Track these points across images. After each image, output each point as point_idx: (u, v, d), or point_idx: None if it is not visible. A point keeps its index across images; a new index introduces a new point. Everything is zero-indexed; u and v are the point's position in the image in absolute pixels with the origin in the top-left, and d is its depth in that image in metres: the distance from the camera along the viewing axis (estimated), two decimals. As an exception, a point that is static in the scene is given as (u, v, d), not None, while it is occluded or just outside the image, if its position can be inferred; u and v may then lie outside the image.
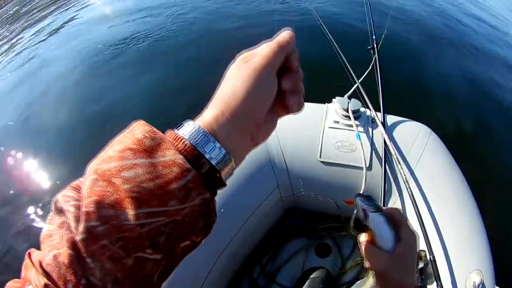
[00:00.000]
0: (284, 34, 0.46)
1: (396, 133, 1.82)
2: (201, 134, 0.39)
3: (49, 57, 4.80)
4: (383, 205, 1.72)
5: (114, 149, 0.37)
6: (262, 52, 0.44)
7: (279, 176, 1.76)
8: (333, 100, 1.88)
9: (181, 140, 0.38)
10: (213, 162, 0.40)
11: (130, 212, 0.34)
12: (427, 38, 4.24)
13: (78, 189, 0.37)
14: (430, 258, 1.42)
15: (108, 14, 6.03)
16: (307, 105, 1.90)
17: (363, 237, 0.64)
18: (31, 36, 6.21)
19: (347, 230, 1.88)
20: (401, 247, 0.59)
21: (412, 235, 0.61)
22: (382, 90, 1.93)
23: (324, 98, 1.90)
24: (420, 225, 1.50)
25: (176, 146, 0.38)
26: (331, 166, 1.74)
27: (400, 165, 1.66)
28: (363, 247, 0.63)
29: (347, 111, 1.80)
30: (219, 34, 4.31)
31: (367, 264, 0.64)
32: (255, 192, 1.74)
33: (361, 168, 1.71)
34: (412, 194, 1.59)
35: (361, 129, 1.79)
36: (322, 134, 1.77)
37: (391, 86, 2.11)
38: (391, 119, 1.89)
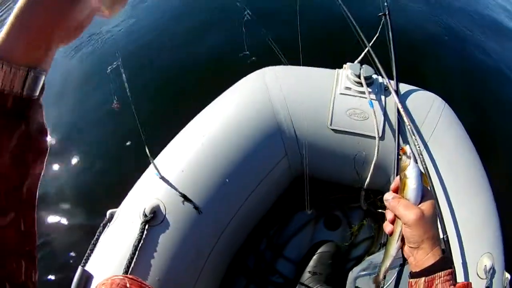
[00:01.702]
0: None
1: (409, 103, 1.73)
2: None
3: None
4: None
5: None
6: None
7: (288, 144, 1.66)
8: (344, 66, 1.77)
9: None
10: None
11: None
12: (443, 6, 4.07)
13: None
14: (443, 237, 1.36)
15: None
16: (317, 70, 1.80)
17: (389, 195, 0.70)
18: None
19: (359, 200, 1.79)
20: (425, 203, 0.65)
21: (431, 194, 0.69)
22: (395, 57, 1.83)
23: (335, 64, 1.79)
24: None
25: None
26: (342, 134, 1.65)
27: (414, 136, 1.58)
28: (394, 202, 0.67)
29: (359, 78, 1.70)
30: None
31: (388, 224, 0.70)
32: (263, 161, 1.64)
33: (374, 138, 1.62)
34: (426, 168, 1.52)
35: (373, 96, 1.69)
36: (333, 100, 1.66)
37: (404, 54, 2.01)
38: (404, 87, 1.79)
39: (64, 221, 2.26)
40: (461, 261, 1.40)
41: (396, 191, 0.70)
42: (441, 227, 1.38)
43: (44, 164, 0.45)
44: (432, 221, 0.65)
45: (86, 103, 2.87)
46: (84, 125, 2.77)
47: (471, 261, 1.39)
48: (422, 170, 0.73)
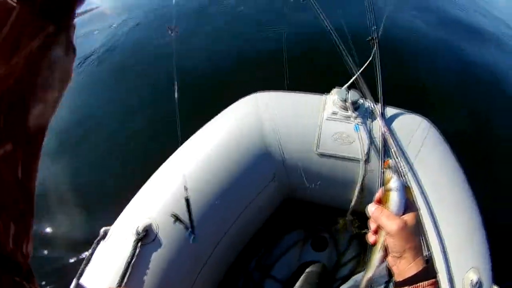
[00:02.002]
0: None
1: (395, 126, 1.79)
2: None
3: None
4: None
5: None
6: None
7: (276, 167, 1.73)
8: (332, 91, 1.83)
9: None
10: None
11: None
12: (430, 30, 4.17)
13: None
14: (427, 254, 1.40)
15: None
16: (306, 96, 1.86)
17: (372, 206, 0.71)
18: None
19: (345, 220, 1.84)
20: (408, 214, 0.67)
21: (414, 206, 0.70)
22: (381, 82, 1.89)
23: (323, 89, 1.86)
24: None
25: None
26: (328, 158, 1.71)
27: (399, 158, 1.63)
28: (377, 213, 0.69)
29: (346, 102, 1.76)
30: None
31: (372, 233, 0.72)
32: (252, 183, 1.70)
33: (359, 161, 1.68)
34: (410, 189, 1.55)
35: (359, 120, 1.75)
36: (320, 125, 1.73)
37: (391, 78, 2.06)
38: (390, 111, 1.85)
39: (59, 235, 2.32)
40: (447, 277, 1.42)
41: (379, 202, 0.73)
42: (426, 244, 1.43)
43: (62, 95, 0.35)
44: (414, 232, 0.67)
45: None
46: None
47: (457, 276, 1.42)
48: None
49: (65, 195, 2.46)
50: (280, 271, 1.81)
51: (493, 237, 1.56)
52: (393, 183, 0.68)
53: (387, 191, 0.69)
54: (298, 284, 1.64)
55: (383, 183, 0.71)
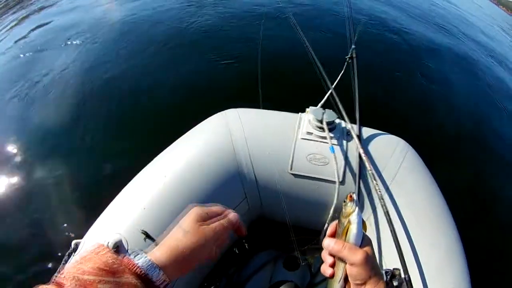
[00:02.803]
0: (234, 219, 0.72)
1: (372, 147, 1.74)
2: (153, 267, 0.56)
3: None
4: None
5: (88, 266, 0.51)
6: (214, 226, 0.67)
7: (247, 187, 1.65)
8: (307, 109, 1.78)
9: (138, 267, 0.54)
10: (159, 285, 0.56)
11: None
12: (407, 49, 4.26)
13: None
14: (405, 277, 1.33)
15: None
16: (280, 114, 1.81)
17: (330, 241, 0.74)
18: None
19: (317, 241, 1.77)
20: (366, 246, 0.71)
21: (368, 238, 0.74)
22: (358, 102, 1.85)
23: (298, 107, 1.81)
24: (395, 243, 1.41)
25: (134, 271, 0.54)
26: (302, 179, 1.64)
27: (376, 181, 1.57)
28: (339, 246, 0.72)
29: (321, 122, 1.71)
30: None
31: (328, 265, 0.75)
32: (222, 203, 1.60)
33: (334, 182, 1.61)
34: (387, 212, 1.50)
35: (335, 141, 1.70)
36: (294, 145, 1.67)
37: (368, 99, 2.04)
38: (367, 131, 1.81)
39: (29, 246, 2.25)
40: None
41: (332, 235, 0.76)
42: (403, 268, 1.35)
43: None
44: (374, 260, 0.72)
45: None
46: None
47: None
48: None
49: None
50: (252, 290, 1.72)
51: (472, 259, 1.54)
52: (355, 217, 0.70)
53: (347, 224, 0.71)
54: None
55: (341, 215, 0.73)
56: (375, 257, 0.74)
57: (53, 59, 3.79)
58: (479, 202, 2.76)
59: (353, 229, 0.70)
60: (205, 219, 0.67)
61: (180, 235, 0.62)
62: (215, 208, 0.72)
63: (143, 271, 0.54)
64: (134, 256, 0.57)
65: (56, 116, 3.01)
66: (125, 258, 0.56)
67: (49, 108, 3.14)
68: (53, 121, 2.96)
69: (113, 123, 2.87)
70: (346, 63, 1.94)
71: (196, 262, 0.62)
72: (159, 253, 0.59)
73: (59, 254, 2.10)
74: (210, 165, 1.60)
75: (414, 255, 1.49)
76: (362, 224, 0.71)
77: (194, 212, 0.67)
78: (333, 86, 1.78)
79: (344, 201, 0.72)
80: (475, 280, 1.48)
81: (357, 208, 0.71)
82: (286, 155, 1.65)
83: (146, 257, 0.57)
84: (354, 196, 0.73)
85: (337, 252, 0.72)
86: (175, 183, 1.54)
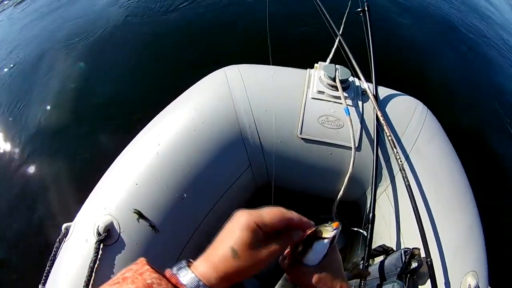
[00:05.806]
0: (297, 238, 0.58)
1: (389, 109, 1.56)
2: (201, 285, 0.49)
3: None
4: (373, 193, 1.46)
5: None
6: (272, 250, 0.54)
7: (252, 153, 1.47)
8: (316, 65, 1.57)
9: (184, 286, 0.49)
10: None
11: None
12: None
13: None
14: (427, 260, 1.23)
15: None
16: (286, 70, 1.60)
17: (287, 260, 0.66)
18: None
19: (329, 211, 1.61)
20: (327, 260, 0.62)
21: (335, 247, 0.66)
22: (373, 58, 1.64)
23: (306, 61, 1.59)
24: (417, 220, 1.28)
25: None
26: (313, 144, 1.45)
27: (396, 148, 1.39)
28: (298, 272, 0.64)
29: (334, 80, 1.50)
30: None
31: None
32: (224, 173, 1.45)
33: (349, 148, 1.43)
34: (408, 185, 1.34)
35: (349, 102, 1.51)
36: (303, 106, 1.47)
37: (383, 55, 1.83)
38: (383, 91, 1.62)
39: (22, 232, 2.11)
40: (444, 281, 1.30)
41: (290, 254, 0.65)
42: (425, 250, 1.25)
43: None
44: (336, 265, 0.64)
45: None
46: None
47: (454, 281, 1.31)
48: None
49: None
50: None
51: (490, 239, 1.45)
52: (327, 234, 0.60)
53: (317, 239, 0.61)
54: (280, 282, 1.40)
55: (318, 233, 0.61)
56: (339, 258, 0.65)
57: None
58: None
59: (319, 246, 0.61)
60: (259, 238, 0.53)
61: (229, 255, 0.53)
62: (274, 218, 0.55)
63: None
64: (178, 270, 0.51)
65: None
66: (167, 272, 0.51)
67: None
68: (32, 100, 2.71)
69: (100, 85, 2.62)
70: (361, 17, 1.71)
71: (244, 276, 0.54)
72: (204, 269, 0.52)
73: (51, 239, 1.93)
74: (209, 131, 1.41)
75: (434, 234, 1.38)
76: (331, 240, 0.61)
77: (246, 227, 0.53)
78: (339, 32, 1.54)
79: (328, 223, 0.61)
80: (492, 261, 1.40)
81: (333, 232, 0.60)
82: (295, 117, 1.45)
83: (192, 273, 0.51)
84: (339, 227, 0.62)
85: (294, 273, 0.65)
86: (170, 153, 1.37)
